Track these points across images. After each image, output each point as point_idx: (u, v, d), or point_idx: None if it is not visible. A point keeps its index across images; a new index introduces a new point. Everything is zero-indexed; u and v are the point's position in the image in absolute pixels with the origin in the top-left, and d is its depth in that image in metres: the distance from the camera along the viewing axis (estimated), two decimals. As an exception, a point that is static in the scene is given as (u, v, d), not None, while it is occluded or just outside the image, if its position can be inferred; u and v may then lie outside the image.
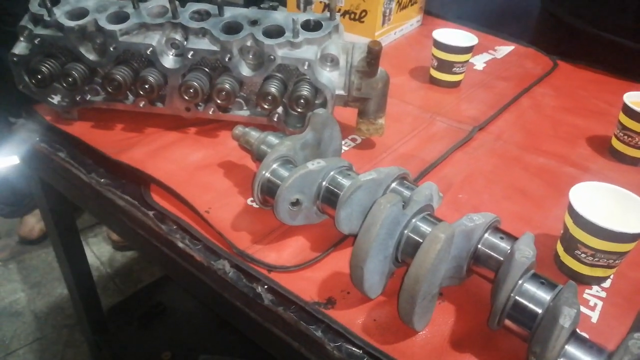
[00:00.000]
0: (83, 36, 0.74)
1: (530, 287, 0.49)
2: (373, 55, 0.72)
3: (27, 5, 1.33)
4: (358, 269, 0.53)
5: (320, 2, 1.11)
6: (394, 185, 0.61)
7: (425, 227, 0.55)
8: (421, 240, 0.54)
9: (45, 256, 1.87)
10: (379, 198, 0.53)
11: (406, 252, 0.55)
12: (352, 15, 1.08)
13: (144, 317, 1.18)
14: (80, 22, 0.72)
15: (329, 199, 0.60)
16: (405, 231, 0.55)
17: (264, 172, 0.61)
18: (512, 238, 0.54)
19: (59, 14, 0.73)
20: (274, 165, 0.62)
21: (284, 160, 0.63)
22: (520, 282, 0.49)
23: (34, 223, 1.87)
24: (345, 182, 0.60)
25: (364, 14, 1.07)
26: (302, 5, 1.14)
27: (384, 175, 0.59)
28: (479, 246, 0.55)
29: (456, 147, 0.83)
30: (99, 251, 1.88)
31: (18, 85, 0.78)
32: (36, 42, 0.74)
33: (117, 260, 1.87)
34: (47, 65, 0.74)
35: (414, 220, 0.55)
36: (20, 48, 0.75)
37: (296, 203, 0.60)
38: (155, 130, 0.81)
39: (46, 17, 0.73)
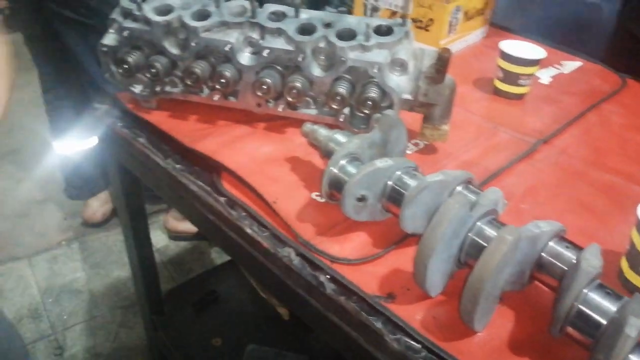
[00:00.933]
0: (167, 31, 0.79)
1: (596, 297, 0.49)
2: (443, 62, 0.74)
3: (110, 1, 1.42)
4: (422, 266, 0.55)
5: (387, 9, 1.13)
6: (459, 188, 0.62)
7: (490, 231, 0.56)
8: (485, 244, 0.55)
9: (105, 239, 1.97)
10: (448, 199, 0.54)
11: (469, 253, 0.56)
12: (419, 23, 1.10)
13: (198, 304, 1.23)
14: (167, 17, 0.77)
15: (394, 197, 0.62)
16: (470, 233, 0.56)
17: (332, 168, 0.64)
18: (578, 248, 0.54)
19: (147, 9, 0.78)
20: (343, 162, 0.64)
21: (352, 157, 0.65)
22: (585, 290, 0.49)
23: (97, 207, 1.97)
24: (411, 182, 0.62)
25: (430, 22, 1.09)
26: (369, 12, 1.17)
27: (451, 177, 0.61)
28: (543, 253, 0.55)
29: (519, 158, 0.83)
30: (154, 239, 1.94)
31: (104, 74, 0.84)
32: (124, 34, 0.79)
33: (171, 249, 1.95)
34: (132, 56, 0.80)
35: (479, 223, 0.56)
36: (109, 39, 0.81)
37: (362, 199, 0.62)
38: (227, 123, 0.85)
39: (135, 12, 0.78)
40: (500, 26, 1.30)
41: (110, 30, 0.81)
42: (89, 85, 1.62)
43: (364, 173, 0.61)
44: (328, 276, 0.61)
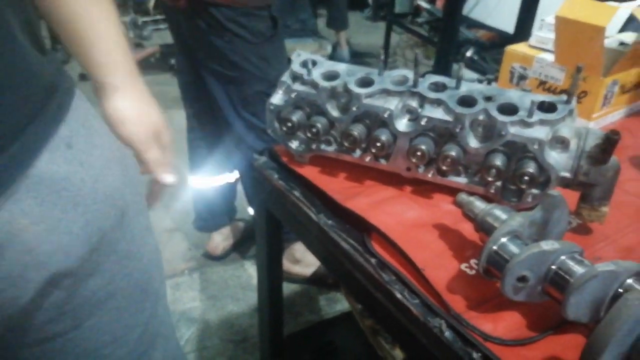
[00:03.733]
0: (332, 95, 0.84)
1: None
2: (610, 143, 0.71)
3: (247, 58, 1.54)
4: (591, 361, 0.52)
5: (536, 78, 1.12)
6: (629, 281, 0.59)
7: (669, 333, 0.52)
8: (663, 346, 0.51)
9: (223, 273, 2.08)
10: (627, 293, 0.52)
11: (644, 354, 0.53)
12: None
13: (315, 352, 1.25)
14: (333, 83, 0.83)
15: (557, 282, 0.60)
16: (647, 333, 0.53)
17: (492, 245, 0.64)
18: None
19: (316, 74, 0.84)
20: (504, 240, 0.64)
21: (513, 235, 0.64)
22: None
23: (220, 241, 2.10)
24: (577, 269, 0.60)
25: (583, 94, 1.06)
26: (515, 79, 1.16)
27: (622, 269, 0.58)
28: None
29: (687, 248, 0.77)
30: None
31: (268, 129, 0.91)
32: (292, 95, 0.86)
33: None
34: (296, 116, 0.86)
35: (657, 322, 0.53)
36: (277, 99, 0.88)
37: (523, 279, 0.61)
38: (374, 183, 0.88)
39: (305, 77, 0.85)
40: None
41: (279, 91, 0.88)
42: (224, 127, 1.77)
43: (528, 254, 0.60)
44: (481, 354, 0.60)
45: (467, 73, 3.18)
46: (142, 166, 0.75)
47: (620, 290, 0.59)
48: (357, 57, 3.97)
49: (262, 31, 1.55)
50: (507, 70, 1.17)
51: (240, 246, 2.18)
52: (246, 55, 1.57)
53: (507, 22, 2.72)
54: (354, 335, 1.29)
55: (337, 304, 1.93)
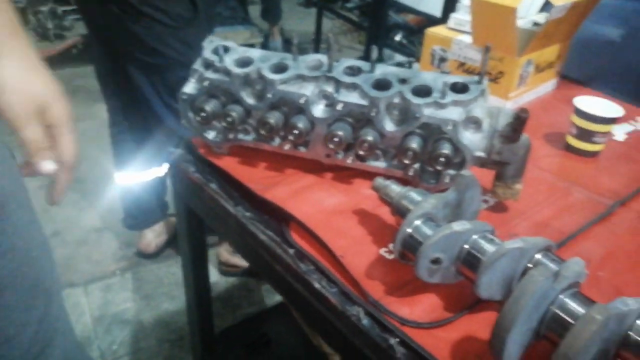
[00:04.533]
0: (246, 82, 0.81)
1: (696, 388, 0.46)
2: (520, 122, 0.72)
3: (168, 43, 1.45)
4: (501, 338, 0.52)
5: (455, 60, 1.14)
6: (538, 256, 0.60)
7: (573, 305, 0.53)
8: (568, 318, 0.53)
9: (157, 271, 2.00)
10: (531, 270, 0.53)
11: (551, 327, 0.54)
12: (488, 76, 1.09)
13: (249, 345, 1.22)
14: (247, 69, 0.80)
15: (470, 262, 0.61)
16: (552, 306, 0.54)
17: (406, 228, 0.63)
18: (671, 329, 0.51)
19: (229, 61, 0.81)
20: (418, 222, 0.63)
21: (427, 217, 0.64)
22: (684, 380, 0.46)
23: (152, 238, 2.02)
24: (489, 247, 0.60)
25: (500, 75, 1.08)
26: (436, 62, 1.17)
27: (530, 245, 0.59)
28: (631, 332, 0.52)
29: (596, 221, 0.80)
30: (205, 273, 1.99)
31: (182, 119, 0.87)
32: (205, 84, 0.82)
33: (220, 285, 1.96)
34: (210, 105, 0.82)
35: (561, 296, 0.54)
36: (189, 88, 0.84)
37: (436, 261, 0.61)
38: (295, 172, 0.86)
39: (217, 63, 0.81)
40: (570, 78, 1.28)
41: (191, 80, 0.84)
42: (151, 119, 1.70)
43: (440, 236, 0.60)
44: (398, 339, 0.60)
45: (398, 57, 3.23)
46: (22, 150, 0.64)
47: (530, 265, 0.60)
48: (290, 45, 3.92)
49: (181, 14, 1.47)
50: (428, 53, 1.18)
51: (175, 242, 2.11)
52: (166, 41, 1.48)
53: (434, 6, 2.77)
54: (288, 326, 1.27)
55: (277, 295, 1.91)
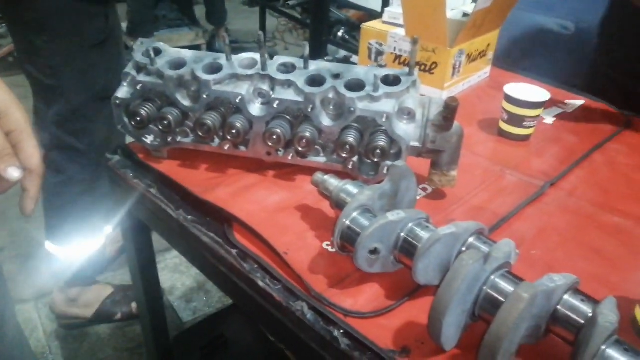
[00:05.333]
0: (180, 84, 0.80)
1: (614, 354, 0.49)
2: (450, 110, 0.75)
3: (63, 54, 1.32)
4: (437, 321, 0.54)
5: (392, 53, 1.16)
6: (471, 240, 0.62)
7: (504, 285, 0.56)
8: (500, 297, 0.55)
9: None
10: (462, 254, 0.55)
11: (484, 307, 0.56)
12: (423, 67, 1.12)
13: (206, 348, 1.21)
14: (179, 71, 0.79)
15: (407, 249, 0.63)
16: (485, 287, 0.56)
17: (344, 220, 0.64)
18: (593, 301, 0.54)
19: (161, 63, 0.80)
20: (355, 214, 0.65)
21: (364, 209, 0.65)
22: (603, 347, 0.49)
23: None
24: (424, 234, 0.62)
25: (434, 65, 1.11)
26: (373, 55, 1.19)
27: (463, 229, 0.61)
28: (559, 307, 0.55)
29: (528, 202, 0.84)
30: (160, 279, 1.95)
31: (117, 125, 0.85)
32: (138, 87, 0.81)
33: (177, 288, 1.94)
34: (145, 109, 0.81)
35: (492, 277, 0.56)
36: (122, 92, 0.82)
37: (375, 252, 0.63)
38: (237, 172, 0.86)
39: (149, 66, 0.80)
40: (502, 67, 1.33)
41: (124, 84, 0.82)
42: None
43: (376, 226, 0.61)
44: (342, 331, 0.61)
45: (342, 52, 3.26)
46: None
47: (464, 249, 0.62)
48: (237, 44, 3.89)
49: (92, 32, 1.34)
50: (365, 47, 1.20)
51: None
52: (69, 60, 1.34)
53: (375, 2, 2.82)
54: (245, 325, 1.27)
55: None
